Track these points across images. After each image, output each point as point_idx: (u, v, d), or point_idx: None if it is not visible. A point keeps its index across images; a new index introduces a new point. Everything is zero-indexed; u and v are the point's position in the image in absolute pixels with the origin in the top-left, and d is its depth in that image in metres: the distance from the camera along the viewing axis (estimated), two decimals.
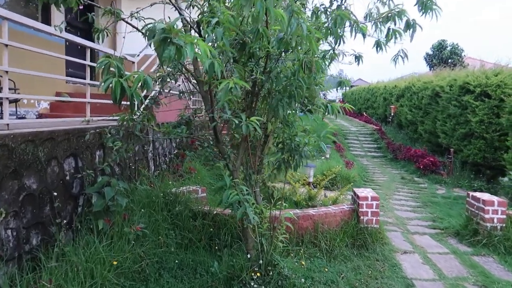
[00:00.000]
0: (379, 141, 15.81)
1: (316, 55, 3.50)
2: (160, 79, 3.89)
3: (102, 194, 4.03)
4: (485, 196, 5.43)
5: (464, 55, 29.08)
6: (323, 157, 11.59)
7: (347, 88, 3.75)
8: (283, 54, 3.37)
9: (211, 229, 4.70)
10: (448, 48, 28.39)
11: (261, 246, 3.88)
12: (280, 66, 3.41)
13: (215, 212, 4.87)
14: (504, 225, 5.17)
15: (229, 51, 2.65)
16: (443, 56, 28.45)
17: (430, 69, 28.24)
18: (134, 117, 3.86)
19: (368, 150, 14.94)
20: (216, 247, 4.57)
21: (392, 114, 17.26)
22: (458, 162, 10.72)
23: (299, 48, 3.26)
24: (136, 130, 3.55)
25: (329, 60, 3.77)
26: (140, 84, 2.38)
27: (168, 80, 4.26)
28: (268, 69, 3.46)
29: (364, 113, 23.38)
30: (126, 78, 2.44)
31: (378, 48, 3.96)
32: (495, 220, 5.18)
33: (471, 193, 5.64)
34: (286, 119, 3.83)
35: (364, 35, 3.72)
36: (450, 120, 11.22)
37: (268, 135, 3.98)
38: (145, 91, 2.56)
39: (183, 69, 3.86)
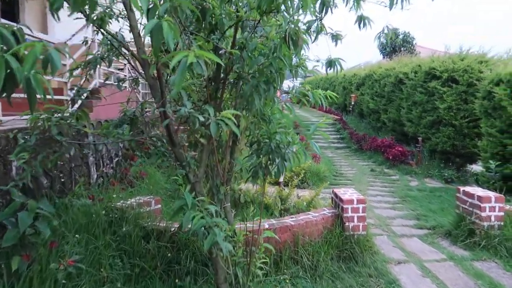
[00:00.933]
0: (341, 131, 15.35)
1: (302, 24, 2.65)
2: (89, 63, 2.84)
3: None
4: (480, 191, 4.87)
5: (415, 43, 29.51)
6: None
7: (333, 70, 2.88)
8: (262, 20, 2.46)
9: (169, 253, 3.74)
10: (400, 37, 28.64)
11: (235, 278, 3.00)
12: (255, 40, 2.51)
13: (173, 230, 3.91)
14: (502, 223, 4.63)
15: (186, 7, 1.70)
16: (396, 44, 28.67)
17: (384, 57, 28.43)
18: (66, 114, 2.81)
19: (331, 141, 14.42)
20: (176, 276, 3.62)
21: (352, 103, 16.89)
22: (427, 151, 10.38)
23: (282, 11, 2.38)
24: (54, 132, 2.51)
25: (315, 34, 2.92)
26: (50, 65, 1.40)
27: (106, 66, 3.22)
28: (239, 44, 2.55)
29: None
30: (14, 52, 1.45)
31: (362, 25, 3.19)
32: (493, 218, 4.62)
33: (462, 188, 5.05)
34: (263, 112, 2.94)
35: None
36: (416, 107, 10.86)
37: (240, 134, 3.07)
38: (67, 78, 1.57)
39: (122, 48, 2.84)
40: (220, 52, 2.43)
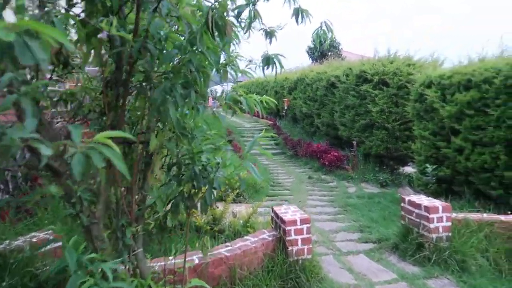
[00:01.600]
0: (276, 136, 15.02)
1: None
2: None
3: None
4: (425, 201, 4.56)
5: (341, 49, 30.49)
6: None
7: (272, 69, 2.23)
8: None
9: None
10: (328, 42, 29.34)
11: None
12: (158, 20, 1.79)
13: None
14: (450, 234, 4.35)
15: None
16: (323, 49, 29.36)
17: (313, 62, 28.93)
18: None
19: (266, 147, 13.99)
20: None
21: (285, 107, 16.67)
22: (361, 154, 10.30)
23: None
24: None
25: (248, 23, 2.28)
26: None
27: None
28: (143, 33, 1.82)
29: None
30: None
31: (299, 19, 2.65)
32: (441, 230, 4.32)
33: (407, 198, 4.73)
34: (182, 125, 2.22)
35: None
36: (349, 111, 10.77)
37: (152, 154, 2.33)
38: None
39: None
40: (100, 36, 1.68)
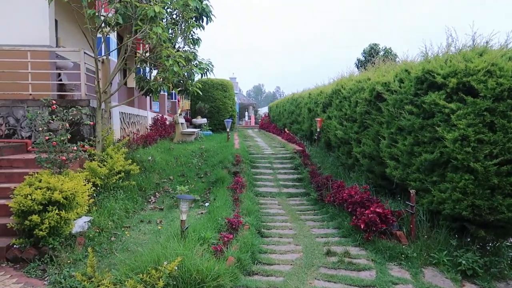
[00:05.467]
0: (301, 168, 11.02)
1: None
2: None
3: None
4: None
5: (398, 61, 25.95)
6: (199, 209, 6.58)
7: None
8: None
9: None
10: (381, 53, 25.06)
11: None
12: None
13: None
14: None
15: None
16: (375, 61, 25.03)
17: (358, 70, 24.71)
18: None
19: (284, 185, 10.05)
20: None
21: (318, 129, 12.68)
22: (424, 212, 6.09)
23: None
24: None
25: None
26: None
27: None
28: None
29: (286, 130, 18.81)
30: None
31: None
32: None
33: None
34: None
35: None
36: (403, 137, 6.64)
37: None
38: None
39: None
40: None
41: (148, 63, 8.79)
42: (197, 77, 10.72)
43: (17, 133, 8.64)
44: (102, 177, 7.40)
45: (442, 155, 5.64)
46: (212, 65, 8.89)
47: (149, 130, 14.43)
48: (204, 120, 19.19)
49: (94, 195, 7.16)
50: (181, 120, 15.25)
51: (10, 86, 8.76)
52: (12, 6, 9.21)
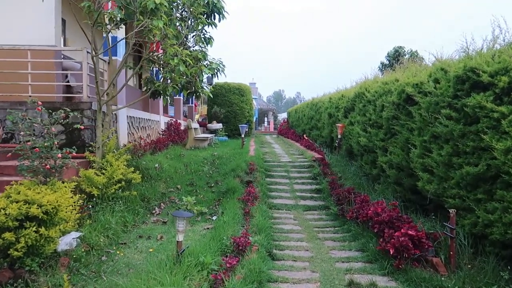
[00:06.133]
0: (320, 178, 10.14)
1: None
2: None
3: None
4: None
5: (426, 64, 24.72)
6: (205, 223, 5.88)
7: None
8: None
9: None
10: (407, 56, 23.87)
11: None
12: None
13: None
14: None
15: None
16: (404, 61, 23.90)
17: (382, 72, 23.62)
18: None
19: (301, 196, 9.19)
20: None
21: (339, 136, 11.78)
22: (466, 235, 5.15)
23: None
24: None
25: None
26: None
27: None
28: None
29: (305, 136, 17.91)
30: None
31: None
32: None
33: None
34: None
35: None
36: (439, 146, 5.72)
37: None
38: None
39: None
40: None
41: (156, 63, 8.13)
42: (211, 79, 10.02)
43: (15, 137, 8.11)
44: (100, 187, 6.74)
45: (490, 168, 4.70)
46: (223, 65, 8.17)
47: (161, 136, 13.83)
48: (220, 126, 18.53)
49: (90, 206, 6.51)
50: (195, 125, 14.60)
51: (9, 88, 8.26)
52: (15, 4, 8.76)
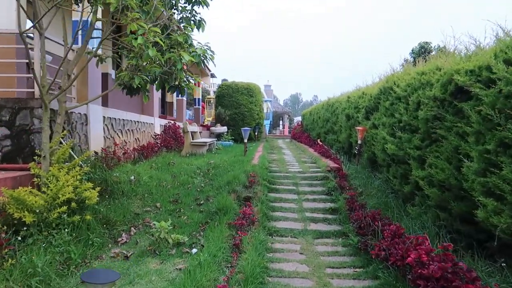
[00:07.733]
0: (336, 194, 8.22)
1: None
2: None
3: None
4: None
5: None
6: (180, 258, 4.13)
7: None
8: None
9: None
10: (433, 53, 21.64)
11: None
12: None
13: None
14: None
15: None
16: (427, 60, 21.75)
17: None
18: None
19: (312, 218, 7.28)
20: None
21: (359, 141, 9.85)
22: None
23: None
24: None
25: None
26: None
27: None
28: None
29: (319, 141, 15.97)
30: None
31: None
32: None
33: None
34: None
35: None
36: (508, 156, 3.79)
37: None
38: None
39: None
40: None
41: (125, 48, 6.43)
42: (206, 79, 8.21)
43: None
44: (38, 211, 5.03)
45: None
46: (212, 51, 6.37)
47: (153, 140, 12.14)
48: (224, 129, 16.78)
49: (19, 238, 4.79)
50: (192, 128, 12.87)
51: None
52: None
